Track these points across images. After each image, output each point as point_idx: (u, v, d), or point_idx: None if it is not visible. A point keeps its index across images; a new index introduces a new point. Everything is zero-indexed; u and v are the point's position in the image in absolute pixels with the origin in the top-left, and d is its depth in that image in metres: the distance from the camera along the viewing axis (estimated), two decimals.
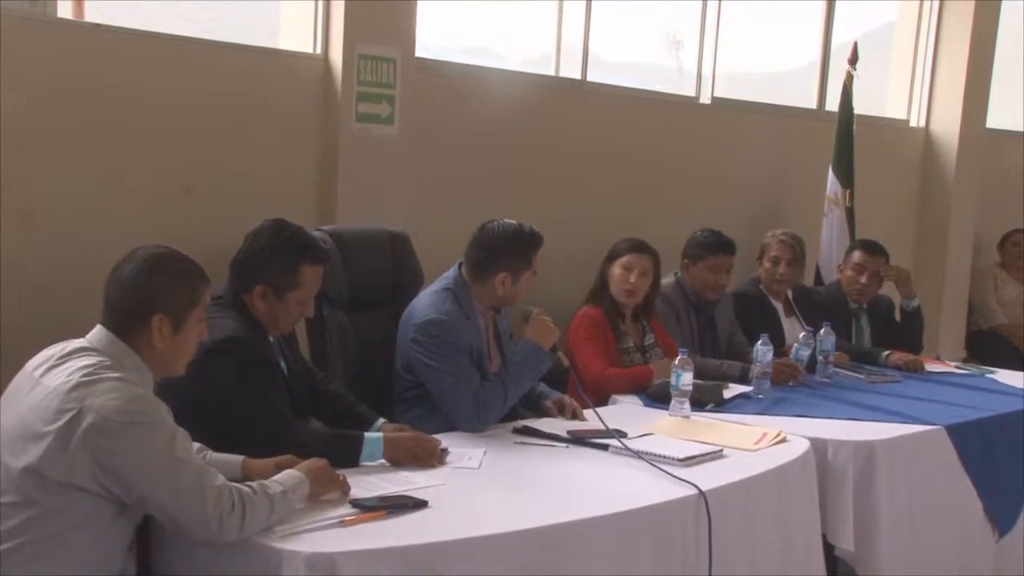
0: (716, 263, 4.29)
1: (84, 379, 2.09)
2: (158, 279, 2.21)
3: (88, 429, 2.02)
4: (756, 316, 4.52)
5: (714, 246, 4.29)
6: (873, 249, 4.91)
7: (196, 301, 2.27)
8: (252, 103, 3.88)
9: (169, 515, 2.11)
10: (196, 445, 2.40)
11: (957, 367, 4.80)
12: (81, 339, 2.22)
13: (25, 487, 2.06)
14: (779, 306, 4.68)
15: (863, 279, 4.86)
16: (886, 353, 4.65)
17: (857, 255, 4.91)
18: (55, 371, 2.14)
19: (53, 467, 2.04)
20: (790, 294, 4.72)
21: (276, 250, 2.79)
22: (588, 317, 3.96)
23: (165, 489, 2.07)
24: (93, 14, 3.65)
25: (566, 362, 3.40)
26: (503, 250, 3.27)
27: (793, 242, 4.66)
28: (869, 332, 4.93)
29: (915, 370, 4.53)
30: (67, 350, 2.19)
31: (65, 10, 3.56)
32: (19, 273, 3.29)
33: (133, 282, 2.20)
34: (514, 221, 3.33)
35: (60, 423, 2.04)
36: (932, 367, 4.66)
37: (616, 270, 4.01)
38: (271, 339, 2.87)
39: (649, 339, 4.06)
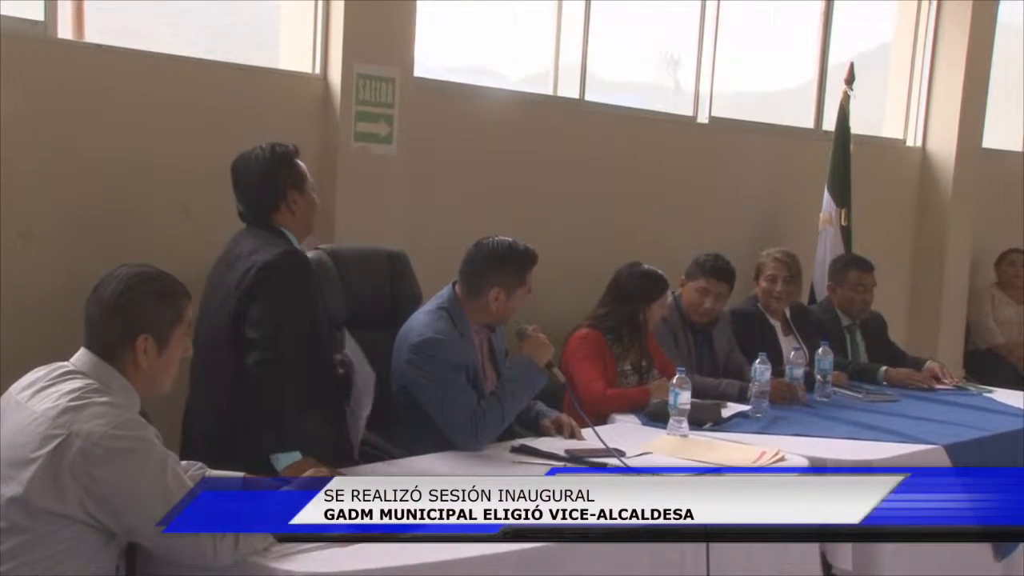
0: (705, 286, 4.27)
1: (72, 404, 2.07)
2: (140, 299, 2.18)
3: (76, 456, 2.00)
4: (754, 335, 4.52)
5: (706, 268, 4.28)
6: (867, 266, 4.96)
7: (180, 318, 2.25)
8: (251, 122, 3.88)
9: (160, 543, 2.09)
10: (196, 464, 2.40)
11: (956, 386, 4.79)
12: (66, 362, 2.20)
13: (12, 515, 2.03)
14: (777, 324, 4.68)
15: (867, 297, 4.89)
16: (883, 369, 4.65)
17: (855, 275, 4.92)
18: (41, 395, 2.11)
19: (41, 495, 2.01)
20: (788, 312, 4.72)
21: (278, 161, 3.07)
22: (587, 339, 3.94)
23: (156, 517, 2.04)
24: (93, 34, 3.67)
25: (562, 378, 3.40)
26: (496, 266, 3.28)
27: (788, 260, 4.66)
28: (864, 348, 4.94)
29: (922, 383, 4.55)
30: (54, 374, 2.16)
31: (65, 30, 3.57)
32: (17, 291, 3.29)
33: (115, 303, 2.17)
34: (508, 238, 3.34)
35: (48, 449, 2.02)
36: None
37: (658, 311, 4.04)
38: None
39: (646, 360, 4.05)
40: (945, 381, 4.69)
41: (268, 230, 3.04)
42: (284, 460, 2.74)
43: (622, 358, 3.99)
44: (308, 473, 2.40)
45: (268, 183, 3.06)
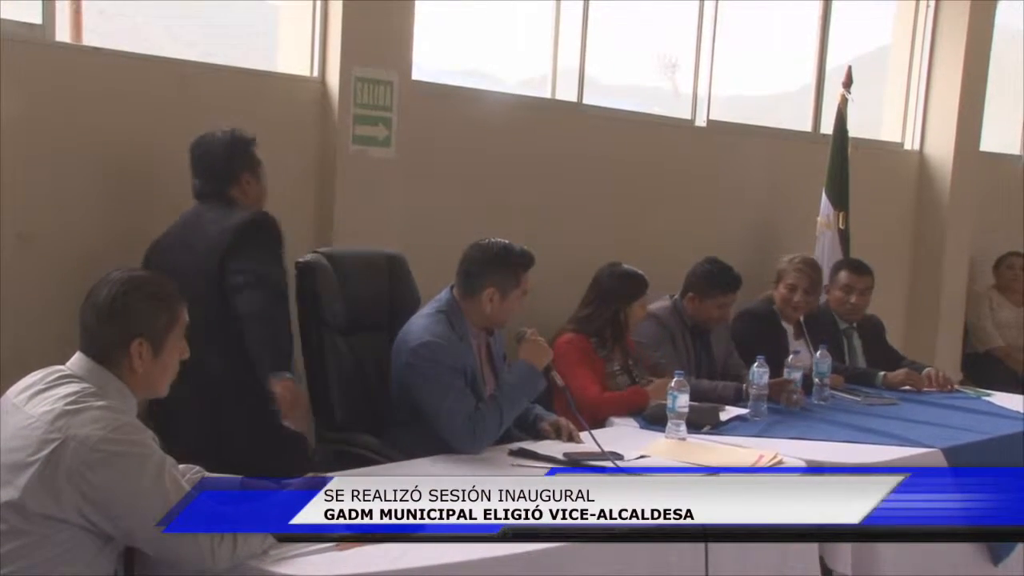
0: (726, 301, 4.29)
1: (68, 407, 2.06)
2: (135, 303, 2.18)
3: (73, 460, 2.00)
4: (765, 336, 4.51)
5: (725, 285, 4.27)
6: (860, 269, 4.94)
7: (175, 321, 2.24)
8: (249, 126, 3.85)
9: (158, 547, 2.09)
10: (194, 468, 2.40)
11: (954, 389, 4.78)
12: (63, 366, 2.19)
13: (9, 519, 2.03)
14: (789, 328, 4.67)
15: (852, 299, 4.88)
16: (881, 374, 4.65)
17: (844, 276, 4.93)
18: (38, 398, 2.11)
19: (37, 500, 2.01)
20: (802, 317, 4.71)
21: (237, 143, 3.36)
22: (572, 344, 3.92)
23: (154, 521, 2.04)
24: (91, 37, 3.67)
25: (560, 382, 3.40)
26: (491, 266, 3.28)
27: (810, 271, 4.64)
28: (861, 351, 4.94)
29: (915, 386, 4.54)
30: (50, 377, 2.16)
31: (63, 33, 3.57)
32: (15, 293, 3.29)
33: (109, 308, 2.17)
34: (504, 240, 3.35)
35: (44, 453, 2.01)
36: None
37: (638, 310, 4.04)
38: None
39: (631, 359, 4.05)
40: (934, 387, 4.66)
41: (228, 204, 3.29)
42: (278, 378, 3.06)
43: (609, 360, 3.98)
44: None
45: (227, 161, 3.34)
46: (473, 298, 3.29)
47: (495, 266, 3.28)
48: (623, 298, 4.01)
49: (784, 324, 4.66)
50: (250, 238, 3.16)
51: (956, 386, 4.80)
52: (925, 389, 4.61)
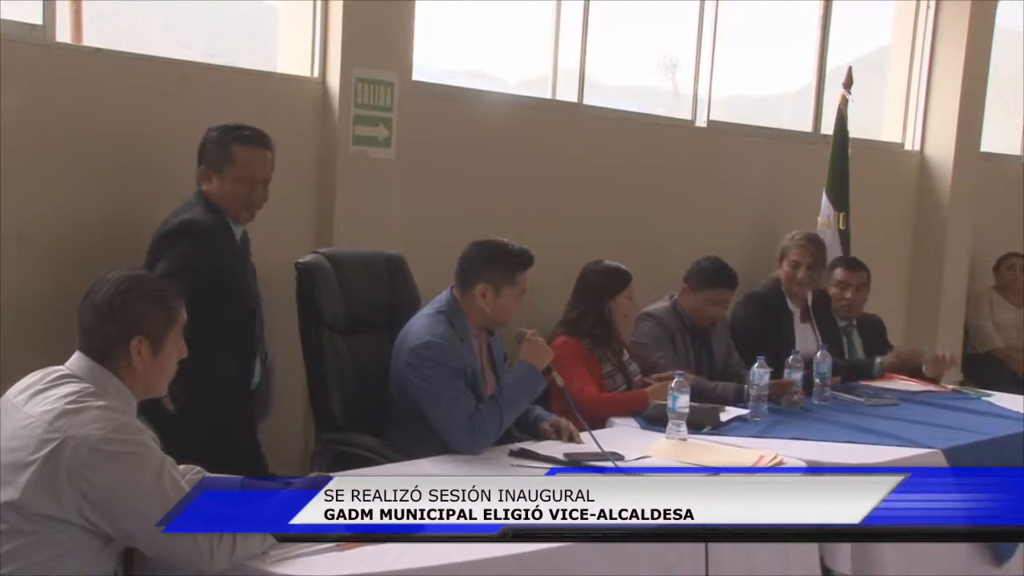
0: (715, 296, 4.28)
1: (68, 407, 2.06)
2: (134, 301, 2.18)
3: (73, 460, 2.00)
4: (771, 320, 4.51)
5: (716, 279, 4.27)
6: (854, 265, 4.95)
7: (174, 320, 2.24)
8: None
9: (157, 547, 2.09)
10: (194, 468, 2.40)
11: (954, 390, 4.79)
12: (62, 366, 2.19)
13: (9, 519, 2.03)
14: (796, 311, 4.66)
15: (848, 295, 4.88)
16: (878, 361, 4.64)
17: (839, 272, 4.94)
18: (38, 398, 2.11)
19: (37, 500, 2.01)
20: (809, 298, 4.71)
21: (210, 140, 3.23)
22: (566, 346, 3.90)
23: (154, 521, 2.04)
24: (91, 38, 3.67)
25: (561, 382, 3.40)
26: (485, 263, 3.29)
27: (813, 247, 4.63)
28: (861, 349, 4.94)
29: (915, 360, 4.58)
30: (49, 377, 2.16)
31: (64, 34, 3.57)
32: (14, 295, 3.29)
33: (108, 306, 2.17)
34: (504, 239, 3.35)
35: (43, 452, 2.02)
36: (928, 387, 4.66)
37: (624, 303, 4.04)
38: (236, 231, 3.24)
39: (625, 355, 4.06)
40: (940, 370, 4.64)
41: (196, 200, 3.20)
42: None
43: (603, 360, 3.99)
44: None
45: (199, 153, 3.24)
46: (467, 295, 3.29)
47: (488, 262, 3.29)
48: (608, 292, 4.01)
49: (791, 306, 4.65)
50: (162, 248, 3.09)
51: (956, 387, 4.80)
52: (925, 372, 4.60)
